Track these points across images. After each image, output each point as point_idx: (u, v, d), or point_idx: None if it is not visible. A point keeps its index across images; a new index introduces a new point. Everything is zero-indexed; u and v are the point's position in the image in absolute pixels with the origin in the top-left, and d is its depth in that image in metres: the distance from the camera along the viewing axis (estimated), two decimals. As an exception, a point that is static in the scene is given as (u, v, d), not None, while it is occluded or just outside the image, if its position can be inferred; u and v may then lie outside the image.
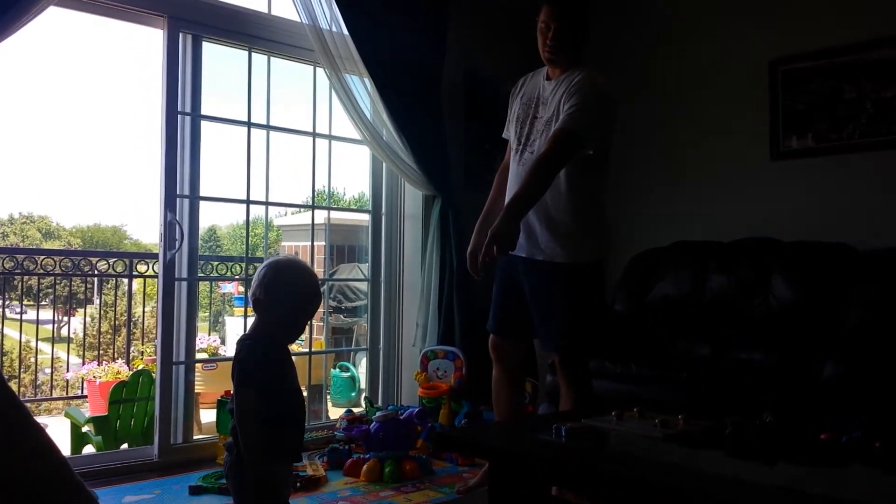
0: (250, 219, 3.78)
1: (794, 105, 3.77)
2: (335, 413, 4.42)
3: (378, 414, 3.30)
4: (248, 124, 3.66)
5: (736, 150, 3.96)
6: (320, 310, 3.83)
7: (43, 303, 6.49)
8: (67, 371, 5.58)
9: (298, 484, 2.97)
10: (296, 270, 1.82)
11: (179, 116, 3.42)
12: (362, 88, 3.78)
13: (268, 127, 3.73)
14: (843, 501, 1.36)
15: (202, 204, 3.53)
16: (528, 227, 2.59)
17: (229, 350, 5.57)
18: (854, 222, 3.50)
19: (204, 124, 3.52)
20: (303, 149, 3.98)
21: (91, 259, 5.23)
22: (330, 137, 4.01)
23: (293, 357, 1.89)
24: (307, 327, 2.09)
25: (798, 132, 3.76)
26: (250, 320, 2.04)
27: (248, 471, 1.69)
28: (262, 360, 1.72)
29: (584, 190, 2.61)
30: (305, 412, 1.84)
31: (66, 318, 8.15)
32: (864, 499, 1.36)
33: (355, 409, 3.93)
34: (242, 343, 1.77)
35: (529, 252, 2.63)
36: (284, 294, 1.76)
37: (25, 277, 5.35)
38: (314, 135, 3.94)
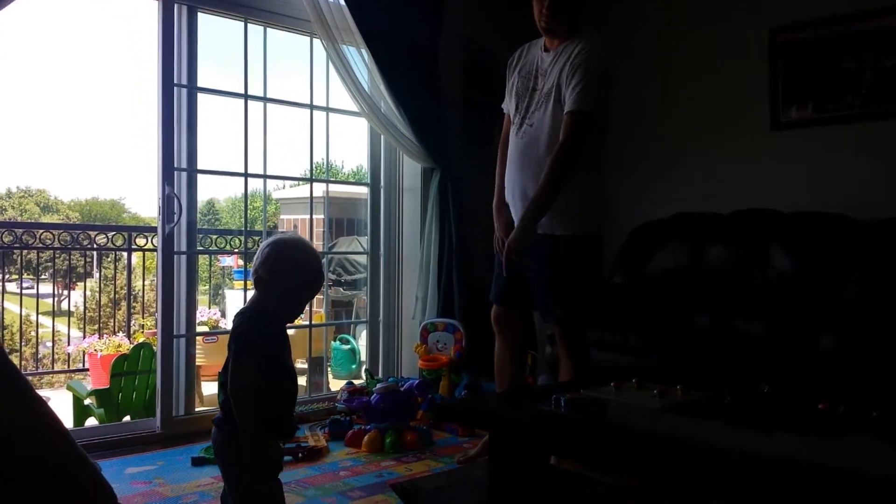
0: (249, 192, 3.78)
1: (795, 75, 3.74)
2: (336, 385, 4.44)
3: (378, 386, 3.32)
4: (245, 96, 3.64)
5: (736, 121, 3.93)
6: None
7: (42, 276, 6.50)
8: (68, 344, 5.60)
9: (300, 455, 3.00)
10: (299, 249, 1.81)
11: (176, 89, 3.39)
12: (360, 60, 3.75)
13: (265, 99, 3.70)
14: (841, 470, 1.37)
15: (200, 177, 3.52)
16: (528, 201, 2.60)
17: (229, 323, 5.58)
18: (854, 193, 3.48)
19: (201, 97, 3.49)
20: (300, 121, 3.96)
21: (90, 233, 5.23)
22: (328, 109, 3.98)
23: (293, 329, 1.89)
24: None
25: (798, 102, 3.73)
26: (250, 293, 2.03)
27: (241, 445, 1.67)
28: (262, 332, 1.72)
29: (583, 165, 2.60)
30: (297, 391, 1.84)
31: (65, 292, 8.18)
32: (861, 468, 1.38)
33: (356, 381, 3.96)
34: (242, 316, 1.77)
35: (529, 225, 2.64)
36: (287, 273, 1.75)
37: (24, 251, 5.33)
38: (311, 107, 3.92)
